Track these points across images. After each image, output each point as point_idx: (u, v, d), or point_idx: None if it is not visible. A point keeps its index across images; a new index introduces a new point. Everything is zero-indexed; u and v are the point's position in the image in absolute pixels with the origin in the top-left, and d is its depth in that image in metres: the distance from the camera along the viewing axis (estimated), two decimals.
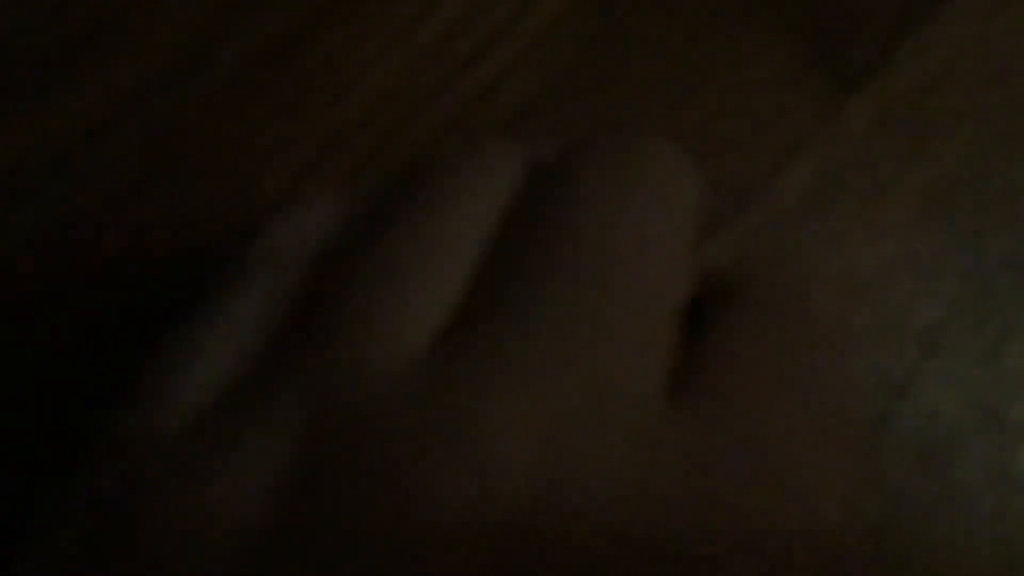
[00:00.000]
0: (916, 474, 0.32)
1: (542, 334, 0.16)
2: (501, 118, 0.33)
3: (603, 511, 0.13)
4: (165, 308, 0.30)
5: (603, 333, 0.16)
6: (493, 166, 0.21)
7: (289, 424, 0.15)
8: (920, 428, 0.32)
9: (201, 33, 0.33)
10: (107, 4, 0.33)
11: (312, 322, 0.17)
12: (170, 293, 0.30)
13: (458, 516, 0.13)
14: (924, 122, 0.35)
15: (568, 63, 0.34)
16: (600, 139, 0.21)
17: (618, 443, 0.15)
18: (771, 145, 0.34)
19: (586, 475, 0.14)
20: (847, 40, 0.35)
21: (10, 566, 0.15)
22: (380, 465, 0.14)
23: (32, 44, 0.32)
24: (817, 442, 0.16)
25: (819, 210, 0.34)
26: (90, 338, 0.29)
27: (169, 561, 0.13)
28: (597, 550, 0.13)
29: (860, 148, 0.34)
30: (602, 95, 0.34)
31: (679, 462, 0.15)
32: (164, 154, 0.32)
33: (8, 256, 0.30)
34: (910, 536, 0.31)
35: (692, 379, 0.17)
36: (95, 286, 0.30)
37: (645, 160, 0.20)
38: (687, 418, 0.16)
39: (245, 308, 0.18)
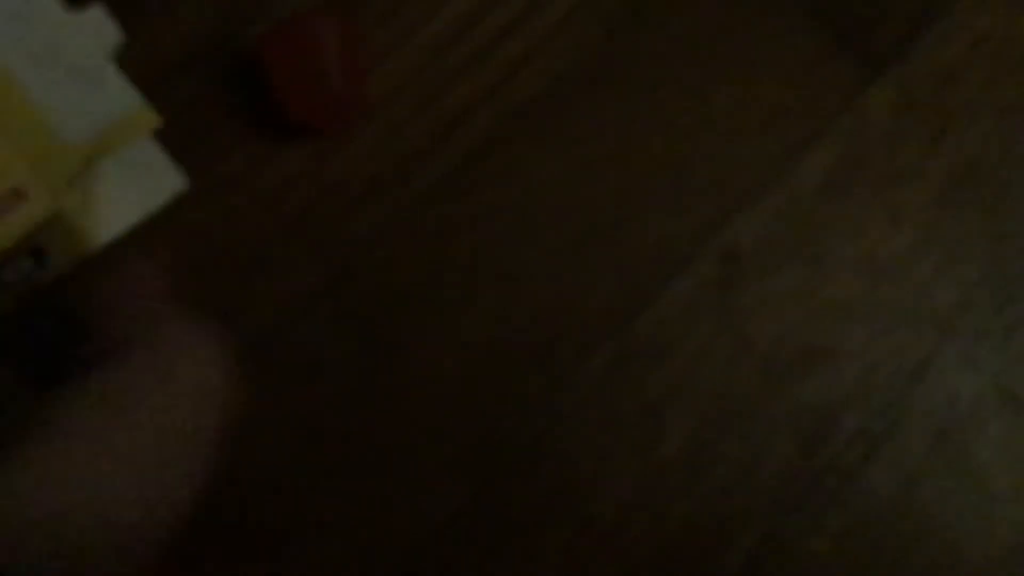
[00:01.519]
0: (933, 454, 0.32)
1: None
2: (526, 94, 0.34)
3: None
4: None
5: None
6: None
7: None
8: (938, 409, 0.32)
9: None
10: None
11: None
12: None
13: None
14: (946, 109, 0.35)
15: (595, 45, 0.34)
16: None
17: None
18: (795, 128, 0.34)
19: None
20: (871, 27, 0.35)
21: None
22: None
23: None
24: None
25: (841, 192, 0.34)
26: None
27: None
28: None
29: (882, 133, 0.35)
30: (628, 77, 0.34)
31: None
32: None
33: None
34: (927, 514, 0.31)
35: None
36: None
37: None
38: None
39: None
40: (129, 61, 0.29)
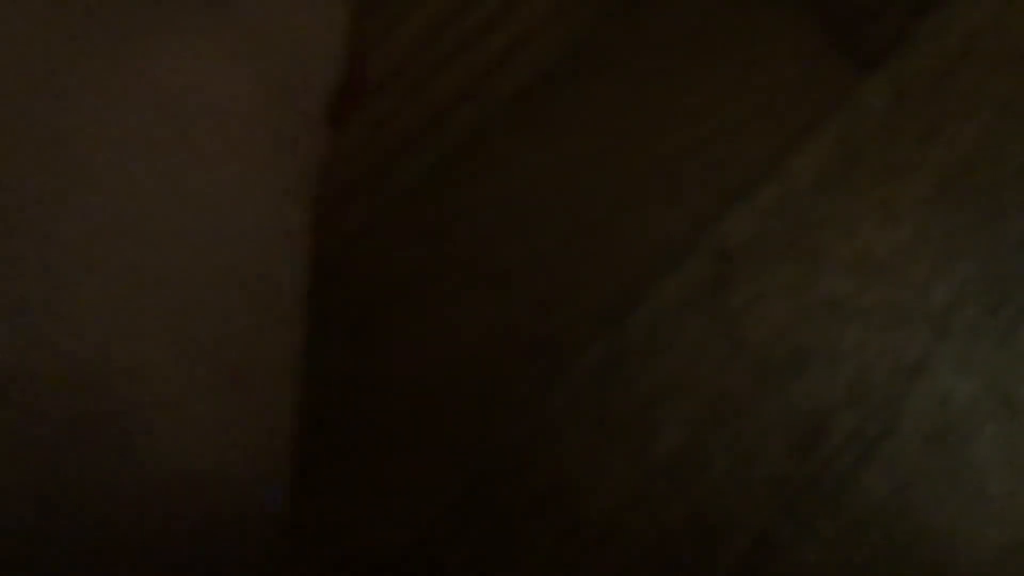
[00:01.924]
0: (927, 456, 0.32)
1: None
2: (516, 85, 0.33)
3: None
4: None
5: None
6: None
7: None
8: (932, 410, 0.32)
9: None
10: None
11: None
12: None
13: None
14: (941, 103, 0.34)
15: (584, 35, 0.34)
16: None
17: None
18: (788, 121, 0.34)
19: None
20: (866, 19, 0.35)
21: None
22: None
23: None
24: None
25: (835, 188, 0.33)
26: None
27: None
28: None
29: (877, 127, 0.34)
30: (618, 69, 0.34)
31: None
32: None
33: None
34: (920, 517, 0.31)
35: None
36: None
37: None
38: None
39: None
40: None
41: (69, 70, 0.15)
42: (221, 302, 0.16)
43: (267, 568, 0.17)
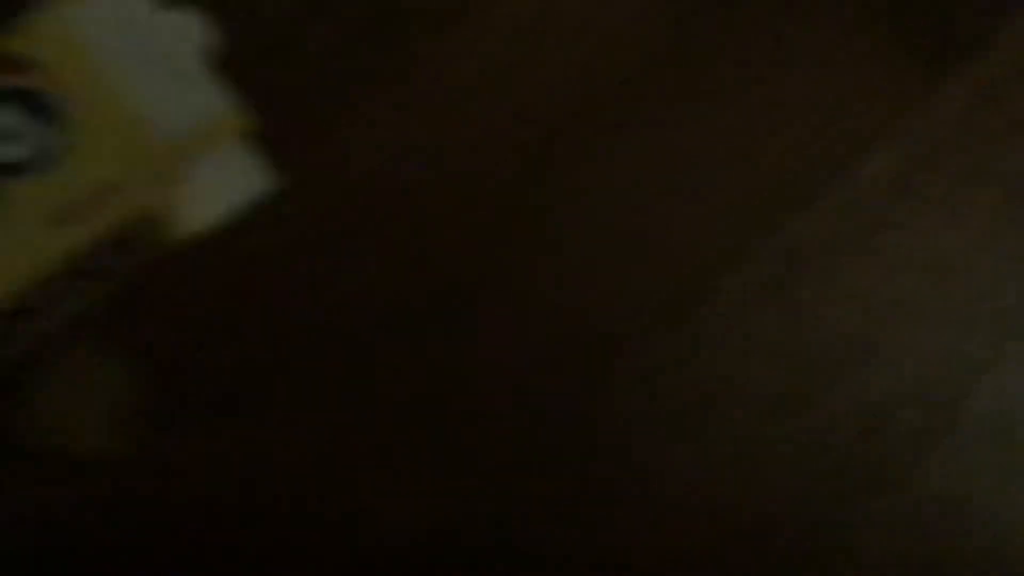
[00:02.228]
0: (992, 452, 0.32)
1: None
2: (600, 91, 0.34)
3: None
4: None
5: None
6: None
7: None
8: (998, 408, 0.32)
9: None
10: None
11: None
12: None
13: None
14: (1016, 109, 0.35)
15: (663, 41, 0.35)
16: None
17: None
18: (861, 125, 0.34)
19: None
20: (943, 23, 0.35)
21: None
22: None
23: None
24: None
25: (908, 189, 0.34)
26: None
27: None
28: None
29: (951, 132, 0.34)
30: (696, 72, 0.35)
31: None
32: None
33: None
34: (979, 516, 0.32)
35: None
36: None
37: None
38: None
39: None
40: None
41: None
42: None
43: None
